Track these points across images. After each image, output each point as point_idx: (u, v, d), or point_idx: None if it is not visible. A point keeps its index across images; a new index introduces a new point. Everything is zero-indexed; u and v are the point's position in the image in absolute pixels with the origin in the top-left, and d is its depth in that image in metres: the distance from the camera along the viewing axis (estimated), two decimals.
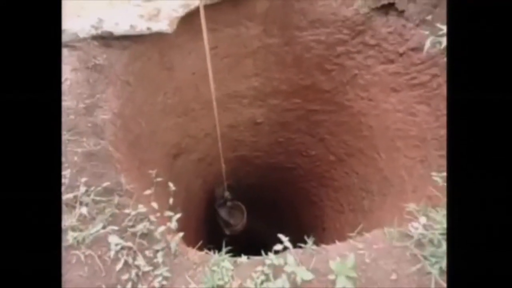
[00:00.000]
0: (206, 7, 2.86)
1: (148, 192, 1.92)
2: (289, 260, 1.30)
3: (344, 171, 4.42)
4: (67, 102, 2.01)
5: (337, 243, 1.50)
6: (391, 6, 2.89)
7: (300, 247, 1.48)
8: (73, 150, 1.78)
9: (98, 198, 1.60)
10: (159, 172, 3.33)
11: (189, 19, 2.96)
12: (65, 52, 2.28)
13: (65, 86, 2.12)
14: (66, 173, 1.63)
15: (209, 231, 5.80)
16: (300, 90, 4.18)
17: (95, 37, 2.36)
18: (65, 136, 1.82)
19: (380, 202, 3.42)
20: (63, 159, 1.72)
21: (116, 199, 1.67)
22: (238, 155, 5.38)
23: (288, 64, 3.82)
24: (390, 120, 3.28)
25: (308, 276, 1.22)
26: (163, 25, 2.46)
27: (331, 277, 1.28)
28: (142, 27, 2.41)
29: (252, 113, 4.65)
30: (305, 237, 1.52)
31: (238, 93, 4.24)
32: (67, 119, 1.91)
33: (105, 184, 1.68)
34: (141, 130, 3.07)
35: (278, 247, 1.40)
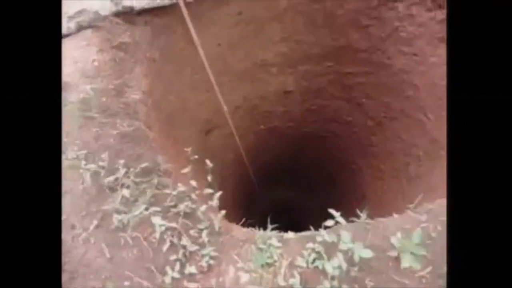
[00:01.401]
0: None
1: (185, 170, 1.87)
2: (344, 236, 1.19)
3: (384, 136, 4.14)
4: (98, 84, 1.97)
5: (395, 215, 1.36)
6: None
7: (353, 221, 1.36)
8: (108, 132, 1.75)
9: (138, 180, 1.57)
10: (193, 149, 3.33)
11: None
12: (89, 33, 2.22)
13: (93, 68, 2.08)
14: (104, 156, 1.61)
15: (247, 205, 5.88)
16: (333, 52, 3.86)
17: (116, 14, 2.26)
18: (98, 118, 1.80)
19: (429, 167, 3.16)
20: (100, 142, 1.70)
21: (155, 179, 1.64)
22: (270, 127, 5.26)
23: (318, 24, 3.50)
24: (440, 76, 2.93)
25: (367, 253, 1.11)
26: None
27: (392, 254, 1.16)
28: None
29: (282, 82, 4.43)
30: (358, 211, 1.39)
31: (266, 61, 4.02)
32: (99, 101, 1.87)
33: (144, 164, 1.64)
34: (172, 108, 3.02)
35: (329, 222, 1.29)
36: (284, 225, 1.98)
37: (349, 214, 1.49)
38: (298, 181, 6.52)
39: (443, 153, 3.00)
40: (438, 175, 3.01)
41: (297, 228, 1.63)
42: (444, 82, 2.96)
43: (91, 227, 1.38)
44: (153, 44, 2.66)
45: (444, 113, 3.06)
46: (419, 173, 3.34)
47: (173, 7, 2.59)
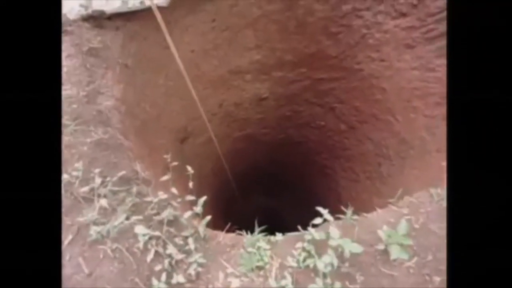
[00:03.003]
0: None
1: (165, 177, 1.81)
2: (333, 233, 1.20)
3: (357, 139, 4.30)
4: (67, 90, 1.86)
5: (379, 210, 1.39)
6: None
7: (339, 218, 1.38)
8: (82, 140, 1.65)
9: (116, 189, 1.49)
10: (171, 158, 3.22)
11: None
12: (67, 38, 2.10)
13: (62, 74, 1.96)
14: (78, 165, 1.50)
15: (226, 212, 5.79)
16: (305, 58, 3.97)
17: (86, 18, 2.17)
18: (70, 126, 1.69)
19: (400, 166, 3.31)
20: (73, 150, 1.60)
21: (134, 188, 1.56)
22: (246, 134, 5.26)
23: (291, 31, 3.59)
24: (406, 80, 3.11)
25: (357, 248, 1.12)
26: None
27: (380, 247, 1.19)
28: (134, 2, 2.21)
29: (256, 89, 4.47)
30: (342, 208, 1.42)
31: (240, 68, 4.04)
32: (70, 108, 1.76)
33: (121, 173, 1.56)
34: (146, 115, 2.92)
35: (317, 220, 1.29)
36: (263, 229, 1.96)
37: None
38: (275, 186, 6.54)
39: (412, 152, 3.16)
40: (408, 173, 3.16)
41: (277, 231, 1.62)
42: (410, 85, 3.15)
43: (66, 242, 1.28)
44: (125, 49, 2.57)
45: (412, 115, 3.24)
46: (391, 173, 3.49)
47: (145, 12, 2.53)
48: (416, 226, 1.26)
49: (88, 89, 1.98)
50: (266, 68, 4.15)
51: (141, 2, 2.23)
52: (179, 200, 1.73)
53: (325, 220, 1.31)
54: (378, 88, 3.53)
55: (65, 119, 1.70)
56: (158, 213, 1.46)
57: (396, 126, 3.48)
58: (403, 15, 2.86)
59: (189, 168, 1.92)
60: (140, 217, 1.38)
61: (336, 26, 3.43)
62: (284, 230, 1.61)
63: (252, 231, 1.60)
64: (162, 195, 1.59)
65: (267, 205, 6.64)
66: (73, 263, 1.24)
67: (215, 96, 4.20)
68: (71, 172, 1.48)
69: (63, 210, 1.36)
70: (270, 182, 6.42)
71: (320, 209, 1.30)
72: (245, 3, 3.32)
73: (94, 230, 1.28)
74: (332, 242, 1.18)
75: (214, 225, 3.16)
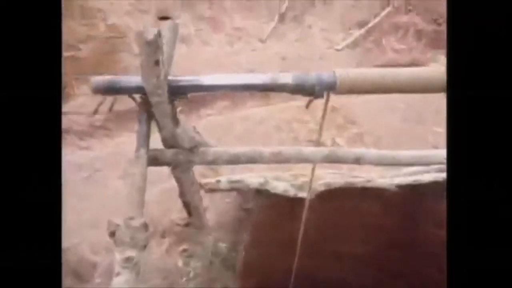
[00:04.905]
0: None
1: None
2: None
3: None
4: (227, 236, 2.73)
5: None
6: None
7: None
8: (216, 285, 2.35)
9: None
10: None
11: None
12: (234, 194, 3.17)
13: (226, 220, 2.90)
14: None
15: None
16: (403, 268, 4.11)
17: (257, 190, 3.21)
18: (215, 265, 2.44)
19: None
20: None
21: None
22: None
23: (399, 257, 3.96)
24: None
25: None
26: (305, 194, 3.16)
27: None
28: (290, 193, 3.18)
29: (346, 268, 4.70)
30: None
31: (339, 254, 4.47)
32: (224, 252, 2.57)
33: None
34: (251, 260, 3.57)
35: None
36: None
37: None
38: None
39: None
40: None
41: None
42: None
43: None
44: (265, 212, 3.48)
45: None
46: None
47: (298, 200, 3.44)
48: None
49: (234, 240, 2.81)
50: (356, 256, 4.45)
51: (295, 195, 3.17)
52: None
53: None
54: None
55: (217, 260, 2.48)
56: None
57: None
58: None
59: None
60: None
61: None
62: None
63: None
64: None
65: None
66: None
67: (305, 263, 4.63)
68: None
69: None
70: None
71: None
72: (364, 214, 3.99)
73: None
74: None
75: None
